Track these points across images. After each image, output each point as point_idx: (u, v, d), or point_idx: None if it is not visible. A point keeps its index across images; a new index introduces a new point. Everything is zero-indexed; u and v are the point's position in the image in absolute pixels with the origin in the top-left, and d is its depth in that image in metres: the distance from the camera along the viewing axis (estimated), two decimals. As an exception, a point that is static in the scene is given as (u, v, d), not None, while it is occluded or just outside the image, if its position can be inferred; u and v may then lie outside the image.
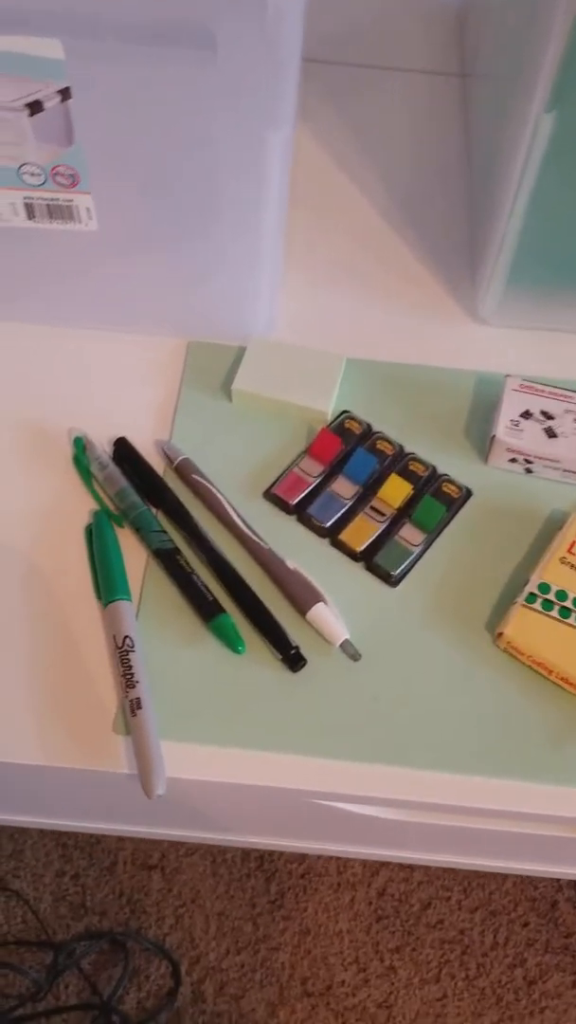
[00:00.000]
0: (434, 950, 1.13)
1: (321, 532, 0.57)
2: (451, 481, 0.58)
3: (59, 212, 0.53)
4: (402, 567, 0.55)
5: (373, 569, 0.56)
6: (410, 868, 1.18)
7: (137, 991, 1.08)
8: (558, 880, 1.18)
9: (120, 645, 0.50)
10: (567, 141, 0.51)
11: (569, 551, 0.54)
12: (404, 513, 0.57)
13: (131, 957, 1.09)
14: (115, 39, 0.44)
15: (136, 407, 0.61)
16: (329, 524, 0.57)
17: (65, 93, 0.46)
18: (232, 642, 0.52)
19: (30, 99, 0.46)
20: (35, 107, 0.47)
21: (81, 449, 0.58)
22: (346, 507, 0.57)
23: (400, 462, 0.59)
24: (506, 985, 1.12)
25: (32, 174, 0.51)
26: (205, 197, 0.53)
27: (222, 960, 1.11)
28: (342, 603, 0.54)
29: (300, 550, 0.56)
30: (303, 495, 0.58)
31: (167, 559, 0.54)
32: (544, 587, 0.53)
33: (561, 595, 0.53)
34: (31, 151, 0.49)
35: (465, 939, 1.15)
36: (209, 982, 1.10)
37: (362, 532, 0.56)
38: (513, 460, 0.58)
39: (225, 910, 1.13)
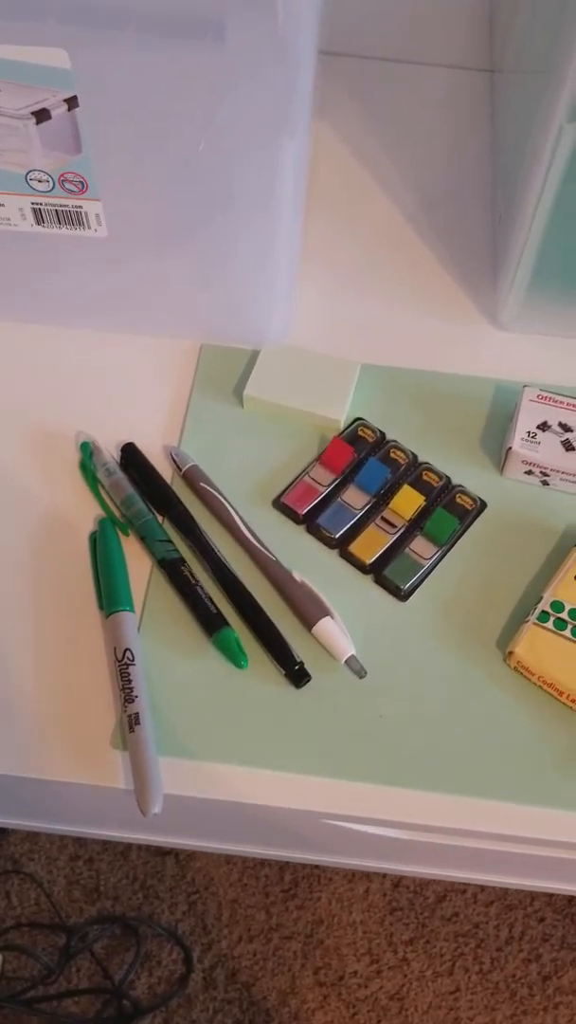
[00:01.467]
0: (448, 943, 1.13)
1: (330, 543, 0.56)
2: (465, 492, 0.57)
3: (68, 218, 0.52)
4: (412, 581, 0.54)
5: (382, 583, 0.55)
6: (425, 861, 1.18)
7: (148, 976, 1.09)
8: None
9: (120, 658, 0.50)
10: (590, 151, 0.50)
11: (584, 569, 0.53)
12: (416, 525, 0.56)
13: (143, 942, 1.11)
14: (122, 36, 0.43)
15: (145, 411, 0.60)
16: (339, 535, 0.56)
17: (72, 102, 0.45)
18: (235, 657, 0.51)
19: (36, 107, 0.46)
20: (42, 115, 0.46)
21: (88, 454, 0.58)
22: (356, 518, 0.56)
23: (413, 472, 0.58)
24: (520, 980, 1.12)
25: (40, 180, 0.50)
26: (217, 201, 0.52)
27: (234, 948, 1.12)
28: (349, 617, 0.53)
29: (308, 561, 0.55)
30: (313, 504, 0.57)
31: (172, 570, 0.53)
32: (557, 605, 0.52)
33: (574, 614, 0.52)
34: (38, 158, 0.48)
35: (480, 933, 1.14)
36: (221, 969, 1.11)
37: (372, 544, 0.55)
38: (529, 472, 0.57)
39: (238, 898, 1.14)
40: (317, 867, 1.16)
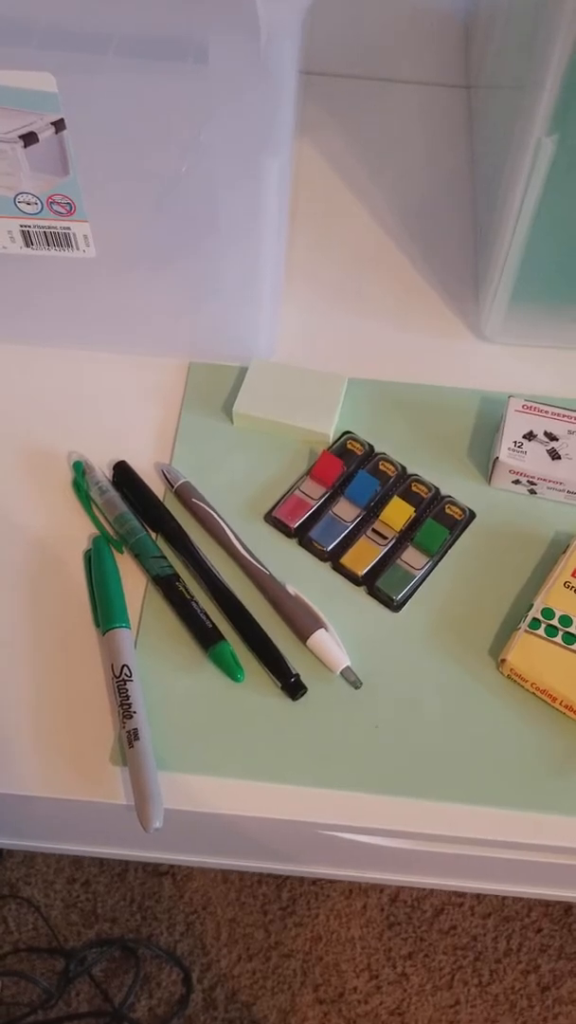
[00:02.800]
0: (447, 956, 1.13)
1: (322, 556, 0.56)
2: (454, 503, 0.58)
3: (57, 240, 0.53)
4: (404, 591, 0.55)
5: (375, 594, 0.55)
6: (422, 874, 1.18)
7: (148, 998, 1.08)
8: (570, 888, 1.17)
9: (117, 675, 0.50)
10: (568, 165, 0.51)
11: (573, 575, 0.54)
12: (406, 536, 0.57)
13: (142, 964, 1.10)
14: (108, 59, 0.44)
15: (136, 429, 0.61)
16: (330, 548, 0.56)
17: (59, 124, 0.46)
18: (231, 670, 0.51)
19: (24, 131, 0.46)
20: (29, 139, 0.47)
21: (80, 473, 0.58)
22: (347, 530, 0.57)
23: (402, 484, 0.59)
24: (520, 991, 1.12)
25: (28, 203, 0.50)
26: (202, 221, 0.53)
27: (233, 967, 1.11)
28: (343, 629, 0.53)
29: (301, 574, 0.55)
30: (304, 518, 0.57)
31: (166, 585, 0.54)
32: (548, 612, 0.53)
33: (565, 621, 0.52)
34: (26, 181, 0.49)
35: (478, 945, 1.14)
36: (220, 989, 1.10)
37: (364, 556, 0.56)
38: (517, 481, 0.58)
39: (236, 917, 1.14)
40: (315, 883, 1.16)
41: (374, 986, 1.12)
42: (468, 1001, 1.11)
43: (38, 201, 0.51)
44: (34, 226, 0.52)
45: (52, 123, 0.46)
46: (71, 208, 0.51)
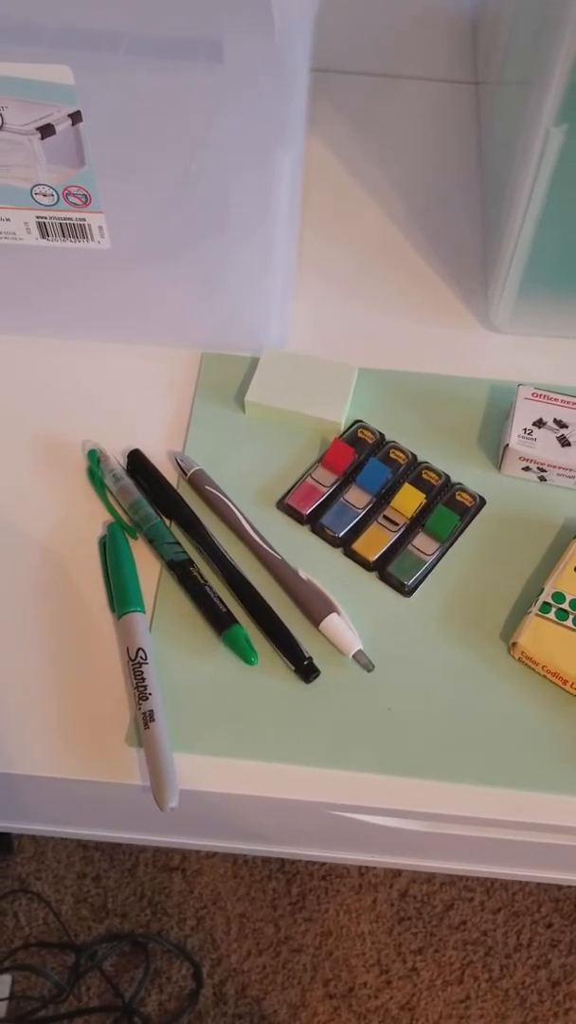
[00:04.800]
0: (457, 951, 1.14)
1: (334, 542, 0.57)
2: (464, 490, 0.59)
3: (72, 231, 0.54)
4: (415, 577, 0.56)
5: (386, 579, 0.56)
6: (431, 870, 1.18)
7: (159, 993, 1.09)
8: (580, 883, 1.17)
9: (133, 657, 0.51)
10: (576, 153, 0.51)
11: (583, 560, 0.54)
12: (417, 522, 0.57)
13: (152, 959, 1.10)
14: (124, 53, 0.45)
15: (150, 419, 0.61)
16: (342, 534, 0.57)
17: (76, 117, 0.47)
18: (245, 653, 0.52)
19: (41, 123, 0.47)
20: (46, 131, 0.47)
21: (95, 461, 0.59)
22: (359, 517, 0.57)
23: (413, 471, 0.59)
24: (530, 987, 1.12)
25: (44, 195, 0.51)
26: (216, 213, 0.53)
27: (243, 962, 1.12)
28: (355, 613, 0.54)
29: (313, 560, 0.56)
30: (316, 505, 0.58)
31: (180, 571, 0.54)
32: (559, 596, 0.53)
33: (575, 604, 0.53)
34: (43, 173, 0.50)
35: (488, 940, 1.15)
36: (231, 984, 1.10)
37: (375, 542, 0.57)
38: (527, 468, 0.58)
39: (246, 912, 1.14)
40: (324, 878, 1.17)
41: (384, 981, 1.12)
42: (478, 996, 1.12)
43: (54, 192, 0.51)
44: (50, 217, 0.53)
45: (69, 115, 0.47)
46: (87, 199, 0.52)
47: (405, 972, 1.13)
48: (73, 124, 0.48)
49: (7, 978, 1.08)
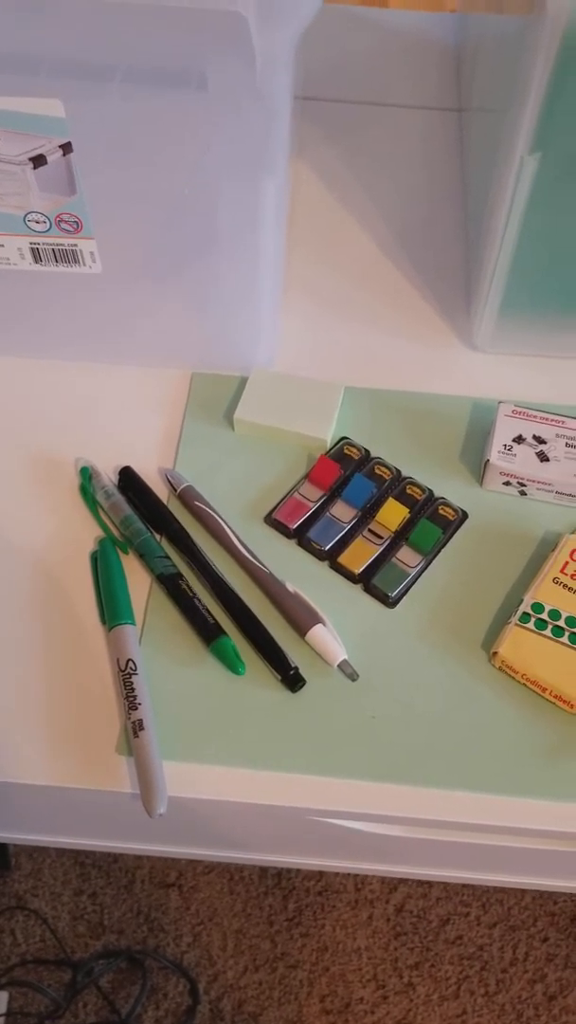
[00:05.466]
0: (453, 966, 1.14)
1: (320, 555, 0.59)
2: (447, 504, 0.60)
3: (64, 256, 0.56)
4: (399, 588, 0.57)
5: (371, 591, 0.57)
6: (428, 884, 1.18)
7: (155, 1009, 1.09)
8: None
9: (123, 668, 0.52)
10: (550, 182, 0.53)
11: (562, 571, 0.56)
12: (401, 536, 0.59)
13: (149, 975, 1.11)
14: (111, 84, 0.47)
15: (141, 436, 0.63)
16: (328, 547, 0.58)
17: (67, 148, 0.49)
18: (232, 664, 0.54)
19: (33, 154, 0.49)
20: (38, 161, 0.49)
21: (87, 478, 0.60)
22: (345, 531, 0.59)
23: (397, 486, 0.61)
24: (526, 1001, 1.13)
25: (37, 222, 0.53)
26: (204, 238, 0.55)
27: (240, 978, 1.12)
28: (341, 624, 0.56)
29: (300, 573, 0.58)
30: (303, 519, 0.59)
31: (170, 584, 0.56)
32: (537, 607, 0.55)
33: (554, 614, 0.55)
34: (36, 201, 0.52)
35: (484, 955, 1.15)
36: (227, 1000, 1.11)
37: (360, 555, 0.58)
38: (507, 483, 0.60)
39: (243, 928, 1.15)
40: (320, 894, 1.17)
41: (381, 996, 1.12)
42: (475, 1011, 1.12)
43: (47, 219, 0.53)
44: (43, 243, 0.55)
45: (60, 146, 0.49)
46: (78, 226, 0.54)
47: (402, 987, 1.13)
48: (64, 155, 0.50)
49: (4, 995, 1.09)
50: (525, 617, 0.54)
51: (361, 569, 0.58)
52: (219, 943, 1.14)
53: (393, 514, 0.59)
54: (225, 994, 1.11)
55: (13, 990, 1.09)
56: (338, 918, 1.16)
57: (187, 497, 0.60)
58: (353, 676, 0.54)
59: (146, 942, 1.13)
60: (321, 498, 0.60)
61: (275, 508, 0.60)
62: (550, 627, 0.54)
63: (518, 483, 0.60)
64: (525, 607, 0.55)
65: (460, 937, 1.16)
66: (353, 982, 1.13)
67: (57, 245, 0.55)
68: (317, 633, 0.54)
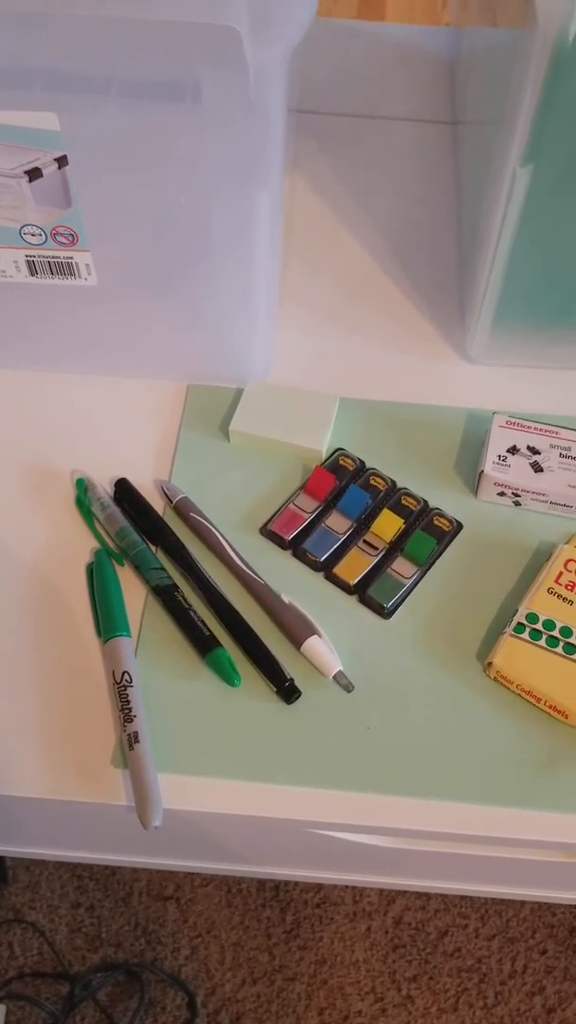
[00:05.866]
0: (452, 979, 1.13)
1: (316, 566, 0.59)
2: (442, 515, 0.60)
3: (60, 268, 0.56)
4: (394, 599, 0.57)
5: (366, 602, 0.57)
6: (426, 896, 1.18)
7: (153, 1022, 1.09)
8: None
9: (119, 680, 0.52)
10: (542, 194, 0.54)
11: (556, 581, 0.56)
12: (396, 547, 0.59)
13: (147, 988, 1.10)
14: (105, 96, 0.47)
15: (137, 448, 0.63)
16: (324, 558, 0.59)
17: (62, 161, 0.49)
18: (228, 675, 0.54)
19: (29, 167, 0.49)
20: (34, 174, 0.50)
21: (83, 490, 0.60)
22: (340, 542, 0.59)
23: (392, 497, 0.61)
24: (525, 1013, 1.12)
25: (33, 234, 0.54)
26: (199, 250, 0.55)
27: (238, 991, 1.11)
28: (336, 635, 0.56)
29: (295, 584, 0.58)
30: (298, 530, 0.59)
31: (165, 595, 0.56)
32: (532, 617, 0.55)
33: (548, 624, 0.55)
34: (31, 214, 0.52)
35: (483, 967, 1.14)
36: (225, 1013, 1.10)
37: (355, 566, 0.58)
38: (502, 493, 0.60)
39: (241, 940, 1.14)
40: (318, 906, 1.17)
41: (379, 1009, 1.12)
42: (474, 1023, 1.11)
43: (42, 232, 0.54)
44: (38, 256, 0.55)
45: (55, 159, 0.49)
46: (74, 238, 0.54)
47: (400, 1000, 1.13)
48: (60, 168, 0.50)
49: (2, 1009, 1.08)
50: (520, 627, 0.54)
51: (356, 580, 0.58)
52: (217, 956, 1.13)
53: (388, 525, 0.59)
54: (223, 1007, 1.11)
55: (11, 1004, 1.09)
56: (336, 930, 1.15)
57: (183, 509, 0.60)
58: (348, 687, 0.54)
59: (144, 955, 1.13)
60: (316, 509, 0.60)
61: (271, 519, 0.60)
62: (544, 637, 0.54)
63: (512, 494, 0.60)
64: (520, 617, 0.55)
65: (459, 949, 1.16)
66: (351, 995, 1.12)
67: (52, 258, 0.55)
68: (312, 644, 0.54)
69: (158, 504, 0.61)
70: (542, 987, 1.14)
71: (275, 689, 0.54)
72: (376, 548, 0.59)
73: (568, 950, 1.16)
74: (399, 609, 0.57)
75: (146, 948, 1.13)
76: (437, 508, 0.61)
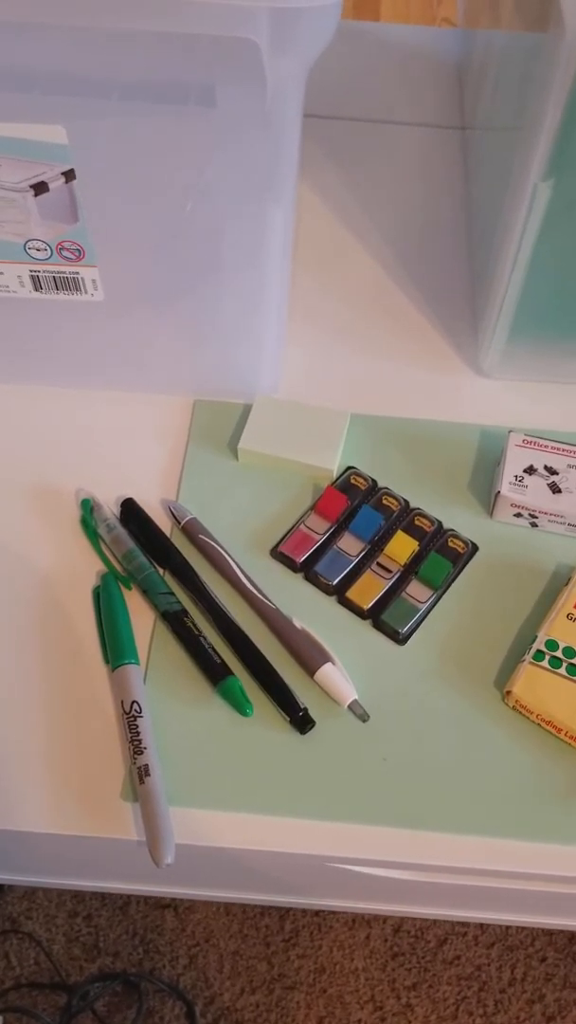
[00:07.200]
0: (451, 987, 1.13)
1: (328, 590, 0.57)
2: (457, 536, 0.59)
3: (65, 284, 0.54)
4: (409, 624, 0.56)
5: (380, 627, 0.56)
6: (425, 904, 1.18)
7: (152, 1033, 1.08)
8: None
9: (128, 711, 0.51)
10: (564, 208, 0.52)
11: (575, 607, 0.55)
12: (411, 569, 0.58)
13: (145, 998, 1.09)
14: (116, 100, 0.45)
15: (143, 467, 0.62)
16: (336, 582, 0.57)
17: (69, 175, 0.47)
18: (240, 705, 0.52)
19: (35, 180, 0.47)
20: (40, 188, 0.48)
21: (88, 511, 0.59)
22: (352, 564, 0.58)
23: (406, 518, 0.59)
24: (524, 1022, 1.12)
25: (38, 249, 0.52)
26: (207, 264, 0.54)
27: (237, 1000, 1.10)
28: (350, 662, 0.54)
29: (307, 609, 0.56)
30: (310, 553, 0.58)
31: (175, 621, 0.54)
32: (552, 644, 0.54)
33: (569, 652, 0.53)
34: (37, 228, 0.50)
35: (482, 975, 1.14)
36: (224, 1022, 1.09)
37: (369, 589, 0.57)
38: (518, 515, 0.59)
39: (239, 949, 1.13)
40: (317, 915, 1.16)
41: (378, 1018, 1.11)
42: (473, 1032, 1.11)
43: (48, 247, 0.52)
44: (43, 271, 0.53)
45: (62, 173, 0.48)
46: (80, 254, 0.52)
47: (399, 1008, 1.12)
48: (67, 182, 0.48)
49: (-2, 1020, 1.07)
50: (539, 655, 0.53)
51: (370, 604, 0.56)
52: (215, 965, 1.12)
53: (402, 547, 0.58)
54: (222, 1016, 1.10)
55: (7, 1015, 1.08)
56: (335, 939, 1.15)
57: (191, 530, 0.58)
58: (364, 717, 0.53)
59: (142, 964, 1.12)
60: (328, 530, 0.59)
61: (281, 541, 0.59)
62: (564, 665, 0.53)
63: (529, 515, 0.58)
64: (539, 644, 0.54)
65: (458, 957, 1.15)
66: (351, 1003, 1.12)
67: (58, 273, 0.53)
68: (326, 672, 0.53)
69: (165, 525, 0.59)
70: (542, 995, 1.13)
71: (288, 719, 0.52)
72: (390, 571, 0.57)
73: (568, 958, 1.15)
74: (414, 635, 0.56)
75: (144, 957, 1.12)
76: (452, 529, 0.59)
